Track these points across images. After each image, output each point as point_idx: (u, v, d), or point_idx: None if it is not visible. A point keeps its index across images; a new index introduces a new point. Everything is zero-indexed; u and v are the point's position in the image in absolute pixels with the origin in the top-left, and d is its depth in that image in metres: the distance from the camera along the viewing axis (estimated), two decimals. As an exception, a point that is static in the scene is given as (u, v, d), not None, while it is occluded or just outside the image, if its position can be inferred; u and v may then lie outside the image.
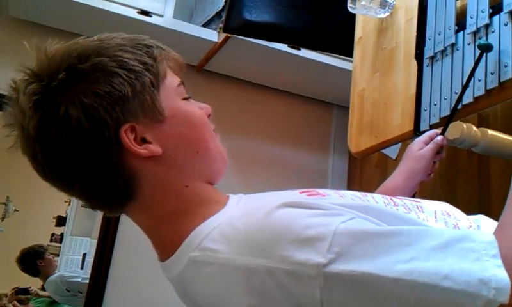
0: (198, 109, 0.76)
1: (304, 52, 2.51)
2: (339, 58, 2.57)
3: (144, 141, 0.68)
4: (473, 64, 1.05)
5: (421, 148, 1.11)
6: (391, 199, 0.78)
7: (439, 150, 1.11)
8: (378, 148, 1.45)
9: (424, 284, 0.53)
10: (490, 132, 1.45)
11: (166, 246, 0.70)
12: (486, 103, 1.08)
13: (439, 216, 0.79)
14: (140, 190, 0.69)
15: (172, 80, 0.74)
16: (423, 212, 0.78)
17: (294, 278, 0.57)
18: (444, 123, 1.13)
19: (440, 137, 1.11)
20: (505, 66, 1.01)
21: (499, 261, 0.53)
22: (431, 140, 1.11)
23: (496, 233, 0.58)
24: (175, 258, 0.68)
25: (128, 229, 1.80)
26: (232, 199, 0.73)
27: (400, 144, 1.98)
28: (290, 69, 2.68)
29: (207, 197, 0.72)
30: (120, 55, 0.68)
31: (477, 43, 1.06)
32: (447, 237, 0.56)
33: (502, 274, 0.52)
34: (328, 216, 0.61)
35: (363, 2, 1.44)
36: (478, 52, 1.05)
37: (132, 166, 0.68)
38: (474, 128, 1.44)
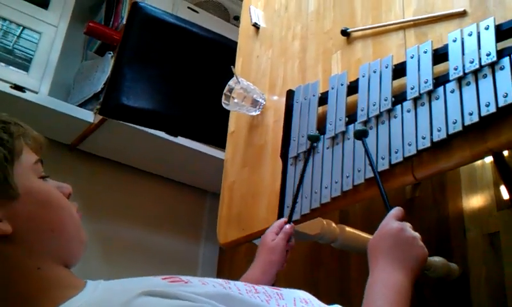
0: (54, 188, 0.75)
1: (181, 139, 2.56)
2: (215, 147, 2.65)
3: None
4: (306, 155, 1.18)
5: (273, 239, 1.14)
6: (253, 286, 0.80)
7: (289, 239, 1.15)
8: (245, 240, 1.48)
9: None
10: (348, 228, 1.55)
11: None
12: (343, 202, 1.17)
13: (298, 303, 0.82)
14: None
15: (29, 157, 0.72)
16: (283, 299, 0.81)
17: None
18: (289, 212, 1.20)
19: (288, 226, 1.16)
20: (359, 171, 1.11)
21: None
22: (280, 229, 1.16)
23: None
24: None
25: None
26: (89, 285, 0.70)
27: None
28: (166, 154, 2.70)
29: (60, 281, 0.69)
30: None
31: (335, 157, 1.16)
32: None
33: None
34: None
35: (236, 100, 1.52)
36: (334, 156, 1.16)
37: None
38: (333, 224, 1.53)
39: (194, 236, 2.98)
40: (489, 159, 1.78)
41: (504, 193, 1.71)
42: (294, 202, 1.19)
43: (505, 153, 1.74)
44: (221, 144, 2.03)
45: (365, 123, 1.12)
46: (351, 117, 1.17)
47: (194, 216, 3.04)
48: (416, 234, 0.86)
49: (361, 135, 1.06)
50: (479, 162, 1.82)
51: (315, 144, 1.21)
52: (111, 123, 2.38)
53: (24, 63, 2.43)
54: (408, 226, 0.86)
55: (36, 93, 2.31)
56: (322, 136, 1.21)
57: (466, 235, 1.77)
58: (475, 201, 1.80)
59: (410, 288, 0.80)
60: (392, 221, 0.86)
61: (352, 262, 2.07)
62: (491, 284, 1.68)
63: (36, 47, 2.45)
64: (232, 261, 2.85)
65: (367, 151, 1.04)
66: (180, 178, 2.98)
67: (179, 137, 2.57)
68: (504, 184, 1.72)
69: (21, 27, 2.47)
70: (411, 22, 1.17)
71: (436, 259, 1.71)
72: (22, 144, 0.72)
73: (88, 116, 2.45)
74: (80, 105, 2.50)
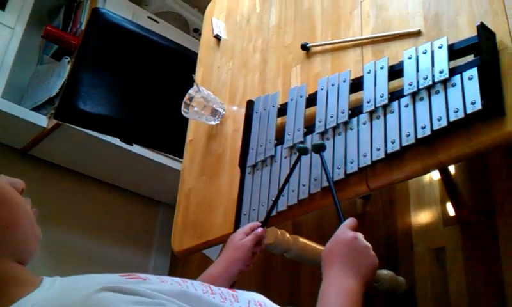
0: (7, 184, 0.74)
1: (136, 148, 2.54)
2: (169, 157, 2.64)
3: None
4: (292, 165, 1.15)
5: (242, 238, 1.15)
6: (209, 287, 0.81)
7: (258, 242, 1.16)
8: (200, 247, 1.48)
9: None
10: (301, 239, 1.58)
11: None
12: (298, 211, 1.20)
13: (252, 306, 0.84)
14: None
15: None
16: (238, 302, 0.82)
17: None
18: (265, 216, 1.20)
19: (260, 229, 1.16)
20: (315, 180, 1.14)
21: None
22: (252, 231, 1.16)
23: None
24: None
25: None
26: (45, 281, 0.70)
27: (220, 246, 2.04)
28: (120, 163, 2.68)
29: (16, 277, 0.68)
30: None
31: (297, 146, 1.18)
32: None
33: None
34: (147, 304, 0.62)
35: (195, 109, 1.53)
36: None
37: None
38: (287, 234, 1.55)
39: (145, 246, 2.95)
40: (436, 176, 1.85)
41: (450, 210, 1.78)
42: (272, 207, 1.18)
43: (452, 171, 1.82)
44: (177, 153, 2.04)
45: (323, 134, 1.16)
46: (309, 128, 1.21)
47: (146, 226, 3.01)
48: (368, 244, 0.89)
49: (318, 148, 1.09)
50: (426, 179, 1.89)
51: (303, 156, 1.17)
52: (65, 128, 2.34)
53: (-23, 63, 2.37)
54: (361, 236, 0.89)
55: (-11, 94, 2.26)
56: (309, 149, 1.16)
57: (414, 250, 1.83)
58: (422, 217, 1.86)
59: (361, 295, 0.83)
60: (346, 230, 0.89)
61: (303, 272, 2.10)
62: (437, 298, 1.74)
63: (-10, 48, 2.40)
64: (183, 272, 2.83)
65: (323, 165, 1.07)
66: (134, 188, 2.95)
67: (134, 146, 2.55)
68: (450, 201, 1.79)
69: (-26, 27, 2.41)
70: (369, 40, 1.22)
71: (385, 272, 1.76)
72: None
73: (42, 120, 2.40)
74: (34, 110, 2.45)
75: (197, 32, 3.07)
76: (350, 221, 0.92)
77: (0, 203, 0.70)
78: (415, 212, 1.89)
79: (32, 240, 0.74)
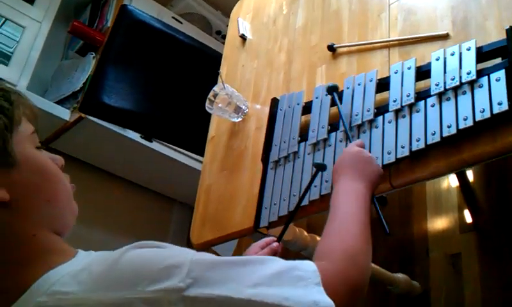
0: (50, 159, 0.77)
1: (156, 145, 2.57)
2: (188, 156, 2.67)
3: None
4: (310, 180, 1.16)
5: (257, 252, 1.15)
6: None
7: (274, 256, 1.15)
8: (219, 241, 1.50)
9: (270, 304, 0.63)
10: (318, 238, 1.60)
11: (10, 291, 0.67)
12: (320, 207, 1.22)
13: None
14: None
15: (27, 127, 0.75)
16: None
17: (154, 306, 0.60)
18: (284, 225, 1.19)
19: (275, 244, 1.17)
20: (326, 182, 1.16)
21: (321, 288, 0.68)
22: (267, 245, 1.17)
23: (315, 261, 0.73)
24: (19, 303, 0.66)
25: None
26: (81, 252, 0.74)
27: (234, 243, 2.06)
28: (139, 160, 2.71)
29: (55, 246, 0.72)
30: None
31: (313, 162, 1.20)
32: (280, 266, 0.69)
33: (326, 299, 0.67)
34: (183, 251, 0.67)
35: (220, 105, 1.56)
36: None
37: None
38: (305, 232, 1.57)
39: (159, 244, 2.98)
40: (454, 183, 1.86)
41: (468, 216, 1.80)
42: (288, 223, 1.18)
43: (470, 178, 1.83)
44: (197, 151, 2.07)
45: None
46: (334, 126, 1.23)
47: (161, 224, 3.04)
48: (373, 156, 1.03)
49: (332, 90, 1.22)
50: (444, 186, 1.90)
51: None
52: (87, 122, 2.39)
53: (5, 55, 2.42)
54: (366, 150, 1.04)
55: (15, 86, 2.30)
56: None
57: (429, 255, 1.84)
58: (439, 223, 1.87)
59: (369, 197, 0.95)
60: (353, 146, 1.04)
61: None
62: (451, 304, 1.74)
63: (18, 40, 2.44)
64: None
65: (337, 104, 1.19)
66: (150, 185, 2.99)
67: (154, 143, 2.59)
68: (467, 208, 1.81)
69: (3, 19, 2.46)
70: (396, 42, 1.24)
71: (400, 276, 1.77)
72: (21, 113, 0.74)
73: (64, 113, 2.44)
74: (57, 103, 2.50)
75: (220, 34, 3.11)
76: (357, 141, 1.07)
77: (43, 176, 0.74)
78: (431, 218, 1.90)
79: (69, 213, 0.78)
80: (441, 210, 1.88)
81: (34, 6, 2.54)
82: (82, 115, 2.32)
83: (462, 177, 1.84)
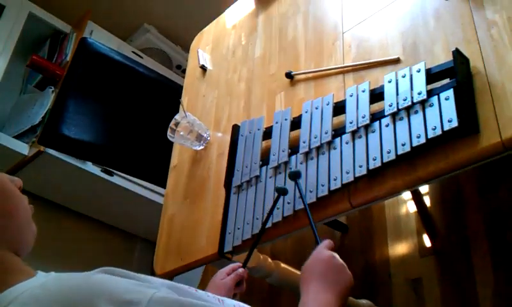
0: (8, 180, 0.78)
1: (117, 179, 2.55)
2: (150, 189, 2.65)
3: None
4: (272, 204, 1.18)
5: (223, 279, 1.16)
6: (195, 290, 0.84)
7: (239, 282, 1.17)
8: (183, 270, 1.50)
9: None
10: (283, 265, 1.61)
11: None
12: (283, 230, 1.23)
13: None
14: None
15: None
16: (223, 305, 0.85)
17: None
18: (248, 250, 1.21)
19: (240, 270, 1.17)
20: (288, 203, 1.19)
21: None
22: (233, 271, 1.17)
23: None
24: None
25: None
26: (40, 273, 0.73)
27: (200, 270, 2.05)
28: (99, 194, 2.67)
29: (13, 266, 0.71)
30: None
31: (275, 187, 1.22)
32: None
33: None
34: (144, 287, 0.66)
35: (181, 133, 1.57)
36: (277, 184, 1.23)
37: None
38: (269, 259, 1.58)
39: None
40: (413, 209, 1.91)
41: (427, 241, 1.84)
42: (252, 248, 1.19)
43: (428, 203, 1.88)
44: (158, 182, 2.06)
45: (307, 154, 1.21)
46: (293, 149, 1.25)
47: (123, 261, 2.98)
48: (344, 263, 0.92)
49: (295, 176, 1.13)
50: (403, 212, 1.94)
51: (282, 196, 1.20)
52: (46, 157, 2.35)
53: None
54: (337, 255, 0.93)
55: (-29, 120, 2.27)
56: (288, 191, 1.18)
57: (392, 280, 1.86)
58: (399, 248, 1.91)
59: None
60: (323, 250, 0.94)
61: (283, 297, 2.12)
62: (414, 328, 1.77)
63: (-26, 75, 2.41)
64: None
65: (300, 191, 1.11)
66: (112, 221, 2.94)
67: (114, 177, 2.57)
68: (426, 232, 1.85)
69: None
70: (351, 67, 1.28)
71: (363, 301, 1.79)
72: None
73: (23, 148, 2.41)
74: (16, 138, 2.46)
75: (180, 68, 3.14)
76: (327, 242, 0.96)
77: (3, 197, 0.73)
78: (392, 243, 1.94)
79: (28, 233, 0.77)
80: (401, 236, 1.92)
81: (-8, 41, 2.52)
82: (41, 149, 2.29)
83: (419, 202, 1.89)
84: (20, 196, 0.78)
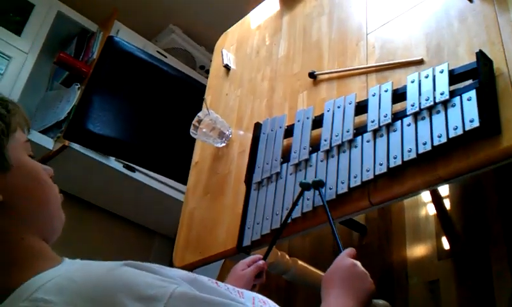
0: (42, 168, 0.80)
1: (138, 175, 2.59)
2: (171, 187, 2.69)
3: None
4: (294, 199, 1.20)
5: (244, 269, 1.17)
6: (216, 282, 0.86)
7: (259, 273, 1.18)
8: (201, 263, 1.52)
9: None
10: (300, 262, 1.62)
11: None
12: (301, 226, 1.25)
13: (256, 302, 0.88)
14: None
15: (21, 135, 0.78)
16: (243, 298, 0.87)
17: None
18: (268, 245, 1.23)
19: (261, 262, 1.19)
20: (308, 200, 1.20)
21: None
22: (254, 263, 1.19)
23: None
24: (3, 306, 0.67)
25: None
26: (67, 260, 0.75)
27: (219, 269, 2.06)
28: (120, 190, 2.72)
29: (42, 252, 0.73)
30: None
31: (298, 182, 1.24)
32: None
33: None
34: (166, 282, 0.67)
35: (204, 130, 1.60)
36: (297, 182, 1.24)
37: None
38: (287, 256, 1.60)
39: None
40: (432, 211, 1.91)
41: (445, 243, 1.84)
42: (274, 240, 1.21)
43: (448, 206, 1.88)
44: (180, 179, 2.09)
45: (327, 152, 1.22)
46: (314, 147, 1.27)
47: (141, 256, 3.01)
48: (366, 271, 0.94)
49: (317, 185, 1.15)
50: (423, 214, 1.95)
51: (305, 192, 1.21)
52: (70, 152, 2.40)
53: (-11, 84, 2.45)
54: (359, 263, 0.95)
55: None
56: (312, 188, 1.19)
57: (409, 282, 1.87)
58: (418, 250, 1.91)
59: None
60: (346, 258, 0.96)
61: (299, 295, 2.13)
62: (430, 330, 1.77)
63: (4, 71, 2.47)
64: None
65: (323, 200, 1.12)
66: (131, 217, 2.98)
67: (136, 173, 2.61)
68: (445, 235, 1.85)
69: (-10, 49, 2.50)
70: (374, 68, 1.30)
71: (380, 302, 1.80)
72: (16, 122, 0.77)
73: (48, 142, 2.46)
74: (41, 132, 2.52)
75: (203, 69, 3.17)
76: (349, 250, 0.98)
77: (35, 182, 0.76)
78: (410, 245, 1.94)
79: (58, 221, 0.80)
80: (420, 238, 1.92)
81: (21, 37, 2.58)
82: (66, 143, 2.34)
83: (439, 205, 1.89)
84: (52, 185, 0.80)
